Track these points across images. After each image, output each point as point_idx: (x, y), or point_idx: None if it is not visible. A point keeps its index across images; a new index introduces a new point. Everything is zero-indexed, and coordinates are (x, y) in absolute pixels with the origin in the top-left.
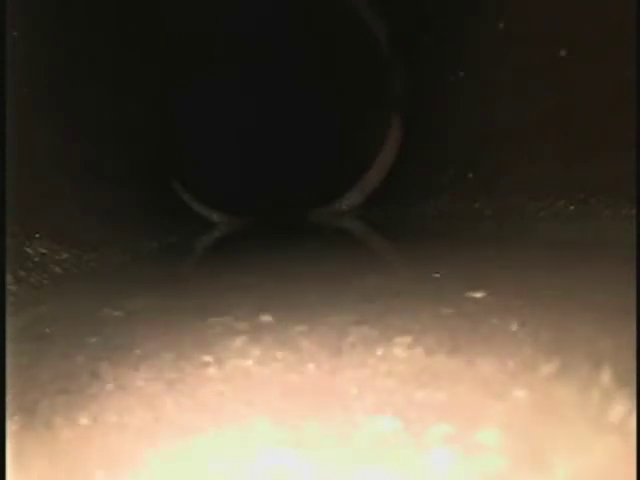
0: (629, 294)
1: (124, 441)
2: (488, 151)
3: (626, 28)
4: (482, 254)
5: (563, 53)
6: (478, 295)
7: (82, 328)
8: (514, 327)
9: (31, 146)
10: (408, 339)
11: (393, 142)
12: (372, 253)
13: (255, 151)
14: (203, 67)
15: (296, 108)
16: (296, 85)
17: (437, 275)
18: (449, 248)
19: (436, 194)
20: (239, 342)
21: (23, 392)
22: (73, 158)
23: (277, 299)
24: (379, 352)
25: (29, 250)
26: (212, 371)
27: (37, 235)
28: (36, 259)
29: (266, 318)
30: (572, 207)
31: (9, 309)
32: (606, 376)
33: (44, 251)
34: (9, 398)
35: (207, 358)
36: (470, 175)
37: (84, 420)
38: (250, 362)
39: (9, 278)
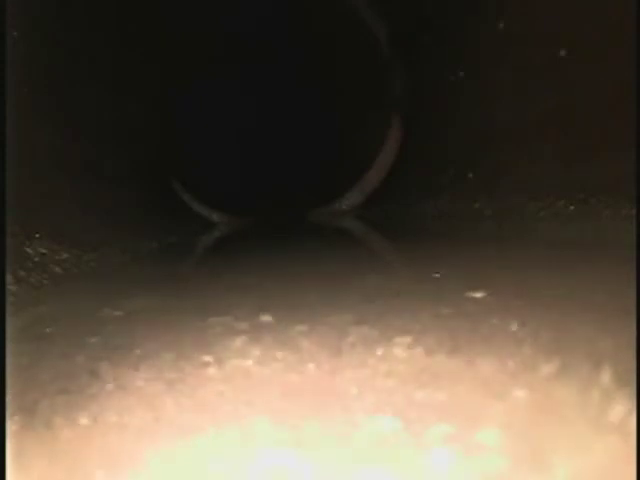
0: (629, 294)
1: (124, 441)
2: (488, 151)
3: (626, 28)
4: (482, 254)
5: (563, 53)
6: (478, 295)
7: (82, 328)
8: (514, 327)
9: (31, 146)
10: (408, 339)
11: (393, 142)
12: (372, 253)
13: (255, 151)
14: (203, 67)
15: (296, 108)
16: (296, 85)
17: (437, 275)
18: (449, 248)
19: (436, 194)
20: (239, 342)
21: (23, 392)
22: (73, 158)
23: (277, 299)
24: (379, 352)
25: (29, 250)
26: (212, 371)
27: (37, 235)
28: (36, 259)
29: (266, 318)
30: (572, 207)
31: (9, 309)
32: (606, 376)
33: (44, 251)
34: (9, 398)
35: (207, 358)
36: (470, 175)
37: (84, 420)
38: (250, 362)
39: (9, 278)
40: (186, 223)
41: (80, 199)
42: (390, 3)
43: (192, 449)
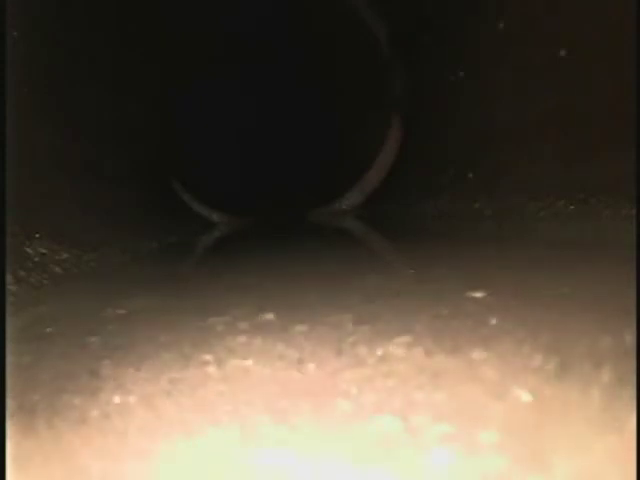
0: (629, 294)
1: (124, 441)
2: (488, 151)
3: (626, 28)
4: (482, 254)
5: (563, 53)
6: (478, 295)
7: (82, 328)
8: (514, 327)
9: (31, 146)
10: (408, 339)
11: (393, 142)
12: (372, 253)
13: (255, 151)
14: (203, 67)
15: (296, 108)
16: (296, 85)
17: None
18: (449, 248)
19: (436, 194)
20: (239, 342)
21: (23, 392)
22: (73, 158)
23: (277, 299)
24: (379, 352)
25: (29, 250)
26: (212, 371)
27: (37, 235)
28: (36, 259)
29: (266, 318)
30: (572, 207)
31: (9, 309)
32: (606, 376)
33: (44, 251)
34: (9, 398)
35: (207, 358)
36: (470, 175)
37: (84, 420)
38: (250, 362)
39: (9, 278)
40: (186, 223)
41: (80, 199)
42: (390, 3)
43: (192, 449)
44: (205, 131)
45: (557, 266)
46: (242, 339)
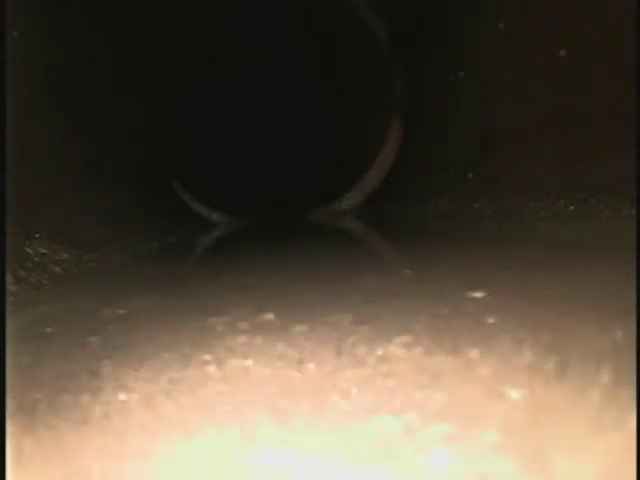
0: (629, 294)
1: (124, 441)
2: (488, 151)
3: (626, 28)
4: (482, 254)
5: (563, 53)
6: (478, 295)
7: (82, 328)
8: (514, 327)
9: (31, 146)
10: (408, 339)
11: (393, 142)
12: (372, 253)
13: (255, 151)
14: (203, 67)
15: (296, 108)
16: (296, 85)
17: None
18: (449, 248)
19: (436, 194)
20: (239, 342)
21: (23, 392)
22: (73, 158)
23: (277, 299)
24: (379, 352)
25: (29, 250)
26: (212, 371)
27: (37, 235)
28: (36, 259)
29: (266, 318)
30: (572, 207)
31: (9, 309)
32: (606, 376)
33: (44, 251)
34: (9, 398)
35: (207, 358)
36: (470, 175)
37: (84, 420)
38: (250, 362)
39: (9, 278)
40: (186, 223)
41: (80, 199)
42: (390, 3)
43: (192, 449)
44: (205, 131)
45: (557, 266)
46: (242, 339)
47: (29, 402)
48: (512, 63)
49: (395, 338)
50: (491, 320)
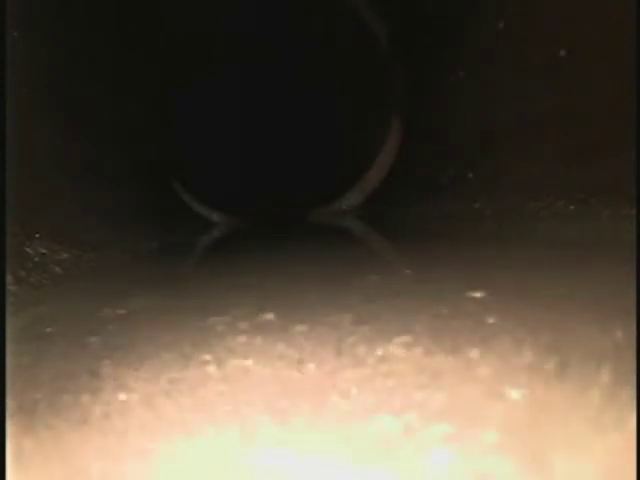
0: (629, 294)
1: (124, 441)
2: (488, 151)
3: (626, 28)
4: (482, 254)
5: (563, 53)
6: (478, 295)
7: (82, 328)
8: (514, 327)
9: (31, 146)
10: (408, 339)
11: (393, 142)
12: (372, 253)
13: (255, 151)
14: (203, 67)
15: (296, 108)
16: (296, 85)
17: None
18: (449, 248)
19: (436, 194)
20: (239, 342)
21: (23, 392)
22: (73, 158)
23: (277, 299)
24: (379, 352)
25: (29, 250)
26: (212, 371)
27: (37, 235)
28: (36, 259)
29: (266, 318)
30: (572, 207)
31: (9, 309)
32: (606, 376)
33: (44, 251)
34: (9, 398)
35: (207, 358)
36: (470, 175)
37: (84, 420)
38: (250, 362)
39: (9, 278)
40: (186, 223)
41: (80, 199)
42: (390, 3)
43: (192, 449)
44: (205, 131)
45: (557, 266)
46: (242, 339)
47: (29, 402)
48: (512, 63)
49: (395, 338)
50: (491, 320)
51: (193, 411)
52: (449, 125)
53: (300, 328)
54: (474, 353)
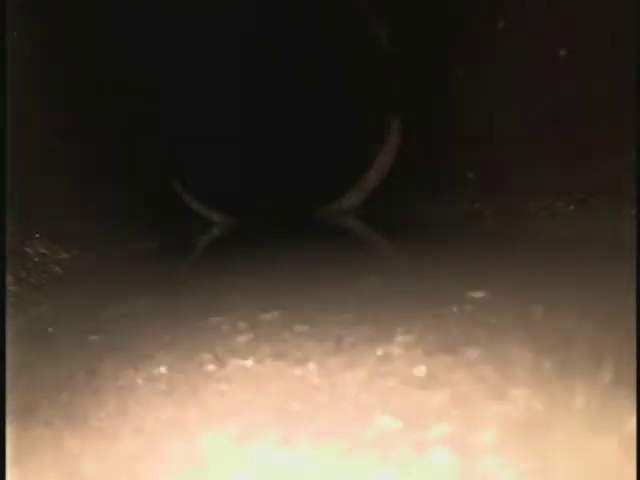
0: (629, 294)
1: (124, 441)
2: (488, 151)
3: (626, 28)
4: (482, 254)
5: (563, 53)
6: (478, 295)
7: (82, 328)
8: (514, 327)
9: (31, 146)
10: (408, 339)
11: (393, 142)
12: (372, 253)
13: (255, 151)
14: (203, 67)
15: (296, 108)
16: (296, 85)
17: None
18: (449, 248)
19: (436, 194)
20: (239, 342)
21: (23, 392)
22: (73, 158)
23: (277, 299)
24: (379, 352)
25: (29, 250)
26: (212, 370)
27: (37, 235)
28: (36, 259)
29: (266, 318)
30: (572, 207)
31: (9, 309)
32: (606, 376)
33: (44, 251)
34: (9, 398)
35: (207, 358)
36: (470, 175)
37: (84, 420)
38: (250, 362)
39: (9, 278)
40: (186, 223)
41: (80, 199)
42: (390, 3)
43: (192, 449)
44: (205, 131)
45: (557, 266)
46: (242, 339)
47: (29, 402)
48: (512, 63)
49: (395, 338)
50: (491, 320)
51: (193, 411)
52: (449, 125)
53: (300, 328)
54: (474, 353)
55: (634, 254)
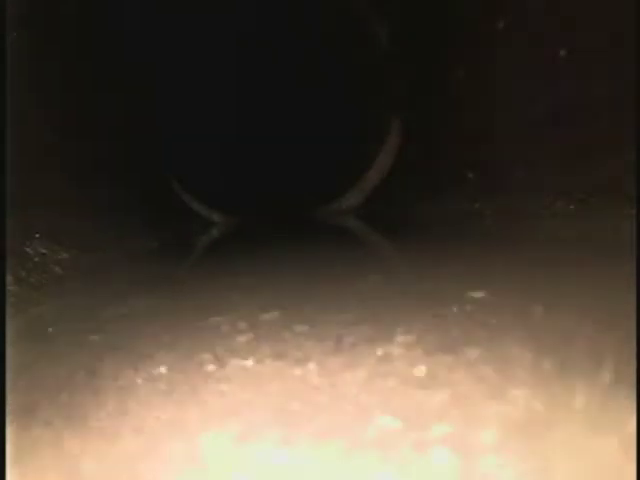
0: (629, 294)
1: (124, 441)
2: (488, 151)
3: (626, 28)
4: (482, 254)
5: (563, 53)
6: (478, 295)
7: (82, 328)
8: (514, 327)
9: (31, 146)
10: (408, 339)
11: (393, 142)
12: (372, 253)
13: (255, 151)
14: (203, 67)
15: (296, 108)
16: (296, 85)
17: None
18: (449, 248)
19: (436, 194)
20: (239, 342)
21: (23, 392)
22: (73, 158)
23: (277, 299)
24: (379, 352)
25: (29, 250)
26: (212, 371)
27: (37, 235)
28: (36, 259)
29: (266, 318)
30: (572, 207)
31: (9, 309)
32: (606, 376)
33: (44, 251)
34: (9, 398)
35: (207, 358)
36: (470, 175)
37: (83, 420)
38: (250, 362)
39: (9, 278)
40: (185, 223)
41: (80, 199)
42: (390, 3)
43: (192, 449)
44: (205, 131)
45: (557, 266)
46: (242, 339)
47: (29, 402)
48: (512, 63)
49: (395, 338)
50: (491, 320)
51: (193, 411)
52: (449, 125)
53: (300, 328)
54: (474, 353)
55: (634, 254)
